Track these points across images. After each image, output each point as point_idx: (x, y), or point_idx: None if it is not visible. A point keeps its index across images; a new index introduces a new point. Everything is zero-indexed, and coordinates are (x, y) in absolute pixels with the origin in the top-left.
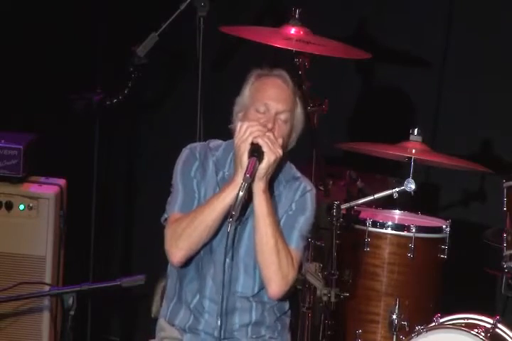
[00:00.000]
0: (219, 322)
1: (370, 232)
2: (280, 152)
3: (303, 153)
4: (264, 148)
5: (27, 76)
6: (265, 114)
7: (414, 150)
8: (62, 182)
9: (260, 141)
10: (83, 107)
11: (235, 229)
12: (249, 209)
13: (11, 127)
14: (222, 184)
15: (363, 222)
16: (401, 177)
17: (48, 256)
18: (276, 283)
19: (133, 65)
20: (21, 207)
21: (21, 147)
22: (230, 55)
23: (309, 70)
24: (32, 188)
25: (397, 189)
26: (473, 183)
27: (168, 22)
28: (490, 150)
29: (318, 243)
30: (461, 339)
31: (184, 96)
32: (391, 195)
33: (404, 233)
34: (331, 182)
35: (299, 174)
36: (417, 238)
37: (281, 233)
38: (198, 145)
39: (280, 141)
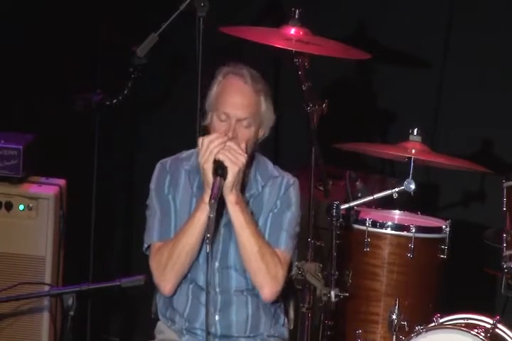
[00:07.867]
0: (217, 317)
1: (369, 232)
2: (243, 159)
3: (302, 153)
4: (226, 163)
5: (27, 76)
6: (226, 121)
7: (414, 150)
8: (62, 182)
9: (221, 157)
10: (83, 107)
11: (222, 235)
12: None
13: (11, 127)
14: (199, 192)
15: (363, 222)
16: (400, 177)
17: (47, 256)
18: (268, 287)
19: (133, 65)
20: (21, 207)
21: (21, 147)
22: (230, 54)
23: (309, 70)
24: (32, 188)
25: (397, 189)
26: (473, 183)
27: (168, 22)
28: (490, 150)
29: (318, 243)
30: (461, 339)
31: (184, 96)
32: (391, 195)
33: (404, 233)
34: (330, 182)
35: (276, 173)
36: (416, 238)
37: (263, 238)
38: (168, 160)
39: (243, 145)
